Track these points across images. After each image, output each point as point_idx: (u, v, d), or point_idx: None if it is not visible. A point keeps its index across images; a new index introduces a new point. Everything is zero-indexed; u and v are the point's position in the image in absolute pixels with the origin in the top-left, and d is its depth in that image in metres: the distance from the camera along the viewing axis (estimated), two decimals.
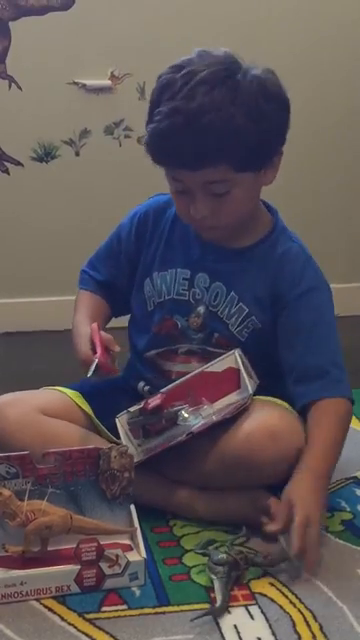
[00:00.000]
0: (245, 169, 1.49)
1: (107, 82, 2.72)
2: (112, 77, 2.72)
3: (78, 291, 1.75)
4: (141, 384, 1.67)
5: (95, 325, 1.56)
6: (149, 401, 1.59)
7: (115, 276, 1.72)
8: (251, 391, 1.51)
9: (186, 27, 2.68)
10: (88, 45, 2.69)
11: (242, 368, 1.54)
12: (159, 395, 1.59)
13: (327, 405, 1.52)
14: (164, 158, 1.49)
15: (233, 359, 1.56)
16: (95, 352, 1.50)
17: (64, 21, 2.66)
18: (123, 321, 1.77)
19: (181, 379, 1.60)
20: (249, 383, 1.52)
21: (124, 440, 1.58)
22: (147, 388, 1.66)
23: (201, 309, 1.61)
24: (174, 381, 1.61)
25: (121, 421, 1.61)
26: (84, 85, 2.71)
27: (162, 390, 1.59)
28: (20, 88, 2.69)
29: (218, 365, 1.58)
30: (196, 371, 1.59)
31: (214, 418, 1.52)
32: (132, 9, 2.69)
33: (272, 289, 1.58)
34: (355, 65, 2.86)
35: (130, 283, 1.70)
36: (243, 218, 1.56)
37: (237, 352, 1.56)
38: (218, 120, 1.43)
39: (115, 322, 1.75)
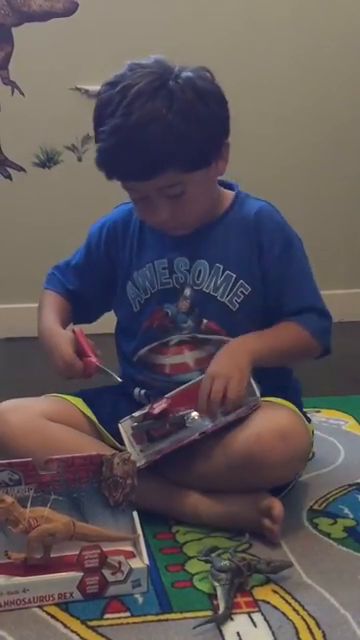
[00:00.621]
0: (194, 168, 1.52)
1: None
2: None
3: (44, 290, 1.75)
4: (137, 390, 1.67)
5: (80, 330, 1.60)
6: (154, 406, 1.58)
7: (83, 287, 1.72)
8: (258, 394, 1.52)
9: (188, 33, 2.69)
10: (90, 51, 2.70)
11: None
12: (164, 400, 1.58)
13: (297, 325, 1.60)
14: (114, 174, 1.53)
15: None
16: (85, 356, 1.56)
17: (67, 27, 2.67)
18: (105, 327, 1.77)
19: (185, 385, 1.59)
20: (256, 387, 1.53)
21: (127, 446, 1.58)
22: (143, 392, 1.66)
23: (187, 291, 1.62)
24: (168, 376, 1.62)
25: (124, 427, 1.60)
26: (87, 91, 2.72)
27: (167, 395, 1.59)
28: (23, 94, 2.70)
29: None
30: (200, 377, 1.59)
31: (224, 419, 1.52)
32: (134, 15, 2.69)
33: (256, 246, 1.61)
34: (358, 66, 2.86)
35: (98, 294, 1.72)
36: (205, 210, 1.60)
37: None
38: (157, 130, 1.46)
39: (103, 329, 1.75)
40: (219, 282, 1.60)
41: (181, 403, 1.58)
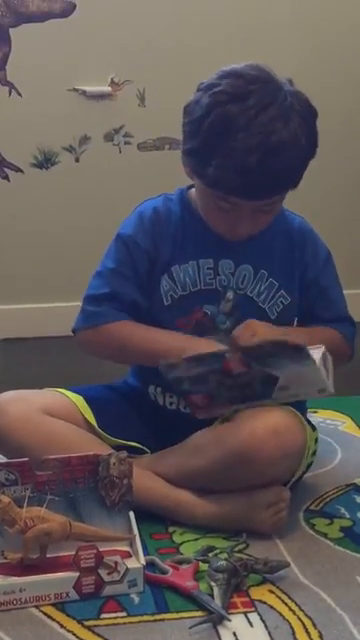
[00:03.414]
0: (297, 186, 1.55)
1: (107, 89, 2.73)
2: (112, 84, 2.72)
3: (110, 323, 1.61)
4: (152, 387, 1.66)
5: None
6: (232, 366, 1.51)
7: (137, 292, 1.63)
8: (331, 389, 1.52)
9: (186, 34, 2.69)
10: (88, 52, 2.69)
11: (322, 367, 1.52)
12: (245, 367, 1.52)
13: (334, 330, 1.67)
14: (236, 192, 1.49)
15: (319, 353, 1.53)
16: None
17: (64, 28, 2.67)
18: None
19: None
20: (327, 375, 1.52)
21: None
22: (159, 389, 1.65)
23: (230, 294, 1.62)
24: None
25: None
26: (84, 91, 2.72)
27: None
28: (20, 94, 2.70)
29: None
30: None
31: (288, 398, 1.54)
32: (132, 16, 2.69)
33: (299, 259, 1.66)
34: (357, 66, 2.86)
35: (146, 290, 1.64)
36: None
37: (324, 349, 1.54)
38: (294, 155, 1.48)
39: None
40: (262, 288, 1.62)
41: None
